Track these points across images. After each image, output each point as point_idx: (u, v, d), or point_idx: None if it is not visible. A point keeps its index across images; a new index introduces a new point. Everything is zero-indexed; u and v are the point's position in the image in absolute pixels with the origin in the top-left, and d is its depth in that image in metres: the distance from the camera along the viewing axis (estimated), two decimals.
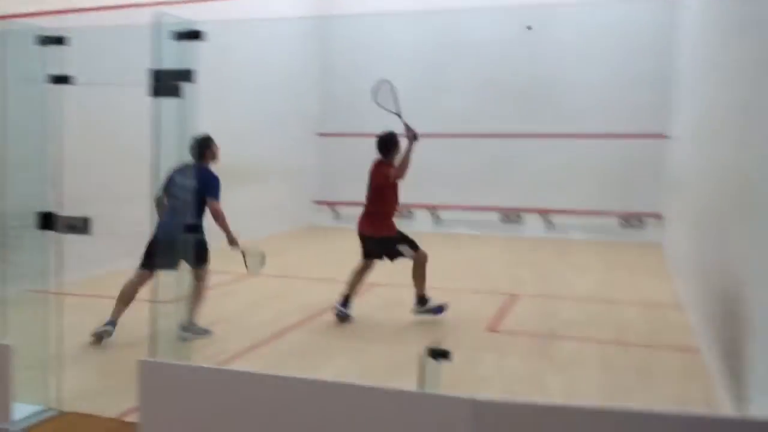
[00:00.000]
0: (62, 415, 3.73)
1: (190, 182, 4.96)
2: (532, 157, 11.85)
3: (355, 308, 6.32)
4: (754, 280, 3.60)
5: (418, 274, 5.94)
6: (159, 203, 5.18)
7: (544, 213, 11.78)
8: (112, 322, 5.17)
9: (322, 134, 13.10)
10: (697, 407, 3.95)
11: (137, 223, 7.77)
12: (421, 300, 5.94)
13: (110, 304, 5.33)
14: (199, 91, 3.70)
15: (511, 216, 11.99)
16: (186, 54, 3.64)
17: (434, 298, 5.98)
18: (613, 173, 11.38)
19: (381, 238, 5.99)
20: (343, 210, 12.70)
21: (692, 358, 4.82)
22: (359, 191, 12.54)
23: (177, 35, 3.60)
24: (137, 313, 5.74)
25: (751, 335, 3.56)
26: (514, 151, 11.95)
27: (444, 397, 2.86)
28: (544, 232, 11.80)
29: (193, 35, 3.63)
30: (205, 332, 5.31)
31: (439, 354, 3.12)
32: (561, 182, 11.65)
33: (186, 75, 3.63)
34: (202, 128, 3.97)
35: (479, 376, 4.40)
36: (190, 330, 5.16)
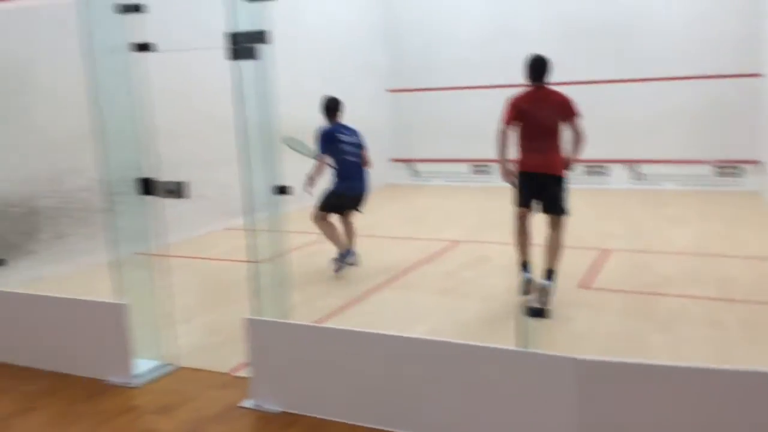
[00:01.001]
0: (177, 369, 3.98)
1: (356, 138, 6.20)
2: (616, 104, 11.36)
3: (443, 265, 6.37)
4: None
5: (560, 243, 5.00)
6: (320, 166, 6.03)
7: (631, 163, 11.36)
8: None
9: (392, 90, 13.01)
10: None
11: (225, 186, 8.09)
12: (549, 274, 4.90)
13: (212, 264, 5.54)
14: (274, 52, 3.73)
15: (595, 167, 11.63)
16: (259, 15, 3.66)
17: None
18: (705, 118, 10.77)
19: (558, 177, 4.95)
20: (420, 167, 12.66)
21: None
22: (434, 147, 12.49)
23: None
24: (240, 271, 5.98)
25: None
26: (595, 99, 11.48)
27: (545, 355, 2.86)
28: (631, 183, 11.40)
29: None
30: None
31: (536, 312, 3.12)
32: (648, 130, 11.13)
33: (261, 36, 3.67)
34: (278, 88, 4.02)
35: (576, 334, 4.36)
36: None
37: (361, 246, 7.38)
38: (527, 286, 4.89)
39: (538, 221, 5.07)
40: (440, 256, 6.79)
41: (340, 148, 6.06)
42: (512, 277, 5.83)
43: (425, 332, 4.15)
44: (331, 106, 6.24)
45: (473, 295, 5.39)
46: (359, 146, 6.22)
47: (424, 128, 12.59)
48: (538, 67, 5.17)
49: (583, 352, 2.89)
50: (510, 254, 6.65)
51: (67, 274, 6.12)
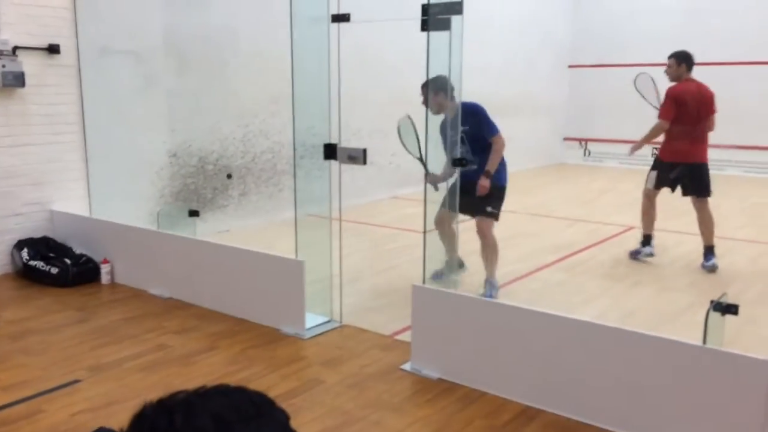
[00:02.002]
0: (343, 327, 4.18)
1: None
2: None
3: (614, 250, 6.06)
4: None
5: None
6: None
7: None
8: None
9: (573, 66, 12.45)
10: None
11: (395, 155, 8.27)
12: (709, 250, 5.45)
13: (378, 230, 5.71)
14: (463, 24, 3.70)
15: None
16: None
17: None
18: None
19: (704, 165, 5.56)
20: (594, 147, 12.07)
21: None
22: (611, 127, 11.89)
23: None
24: (407, 239, 6.12)
25: None
26: None
27: (736, 355, 2.64)
28: None
29: None
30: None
31: (726, 308, 2.87)
32: None
33: (455, 7, 3.64)
34: (464, 62, 3.99)
35: (764, 337, 3.96)
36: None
37: (530, 225, 7.23)
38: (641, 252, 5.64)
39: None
40: (612, 240, 6.46)
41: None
42: (689, 269, 5.41)
43: (592, 316, 3.98)
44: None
45: (645, 284, 5.07)
46: None
47: (602, 107, 11.95)
48: (692, 59, 5.49)
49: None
50: (690, 245, 6.19)
51: (252, 229, 6.63)
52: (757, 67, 10.48)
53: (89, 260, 5.21)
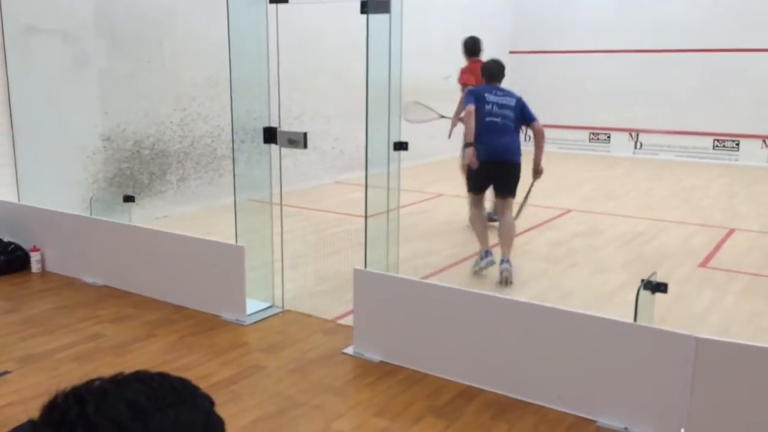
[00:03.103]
0: (285, 312, 4.14)
1: (509, 99, 5.00)
2: (751, 74, 10.46)
3: (553, 233, 6.20)
4: None
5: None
6: (470, 116, 4.89)
7: (765, 139, 10.48)
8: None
9: (513, 52, 12.61)
10: None
11: (338, 140, 8.23)
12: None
13: (320, 215, 5.69)
14: (403, 8, 3.68)
15: (726, 142, 10.84)
16: None
17: (640, 228, 5.61)
18: None
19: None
20: None
21: None
22: (551, 112, 12.08)
23: None
24: (350, 224, 6.11)
25: None
26: (730, 68, 10.62)
27: (664, 331, 2.74)
28: (766, 161, 10.54)
29: None
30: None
31: (656, 287, 2.97)
32: None
33: None
34: (404, 49, 3.99)
35: (692, 314, 4.13)
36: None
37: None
38: None
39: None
40: (551, 223, 6.61)
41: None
42: (625, 250, 5.59)
43: (531, 297, 4.07)
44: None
45: (581, 266, 5.21)
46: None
47: (543, 93, 12.15)
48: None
49: (700, 331, 2.73)
50: (625, 226, 6.39)
51: (190, 214, 6.48)
52: (686, 54, 10.85)
53: (18, 248, 5.00)
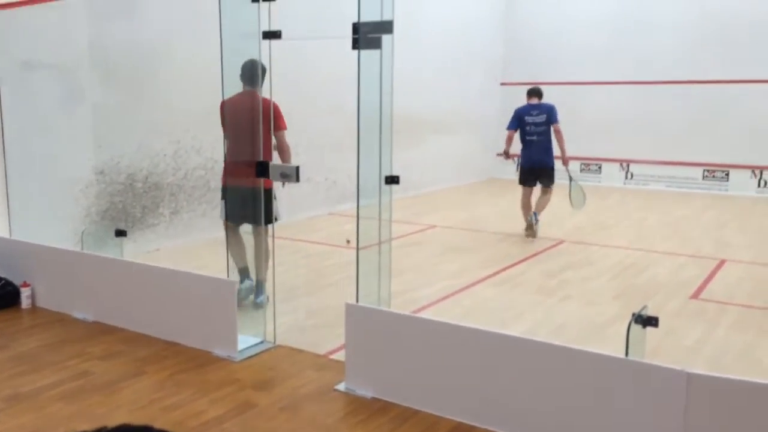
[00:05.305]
0: (277, 348, 4.11)
1: (542, 117, 7.24)
2: (740, 106, 10.61)
3: (545, 264, 6.21)
4: None
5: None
6: (509, 138, 7.42)
7: (755, 169, 10.59)
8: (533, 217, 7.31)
9: (505, 83, 12.77)
10: None
11: (332, 171, 8.26)
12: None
13: (313, 247, 5.68)
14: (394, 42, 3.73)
15: (716, 172, 10.94)
16: (384, 6, 3.66)
17: (632, 259, 5.63)
18: None
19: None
20: None
21: None
22: None
23: None
24: (342, 256, 6.11)
25: None
26: (719, 100, 10.78)
27: (656, 366, 2.73)
28: (755, 191, 10.63)
29: None
30: None
31: (647, 321, 2.97)
32: None
33: (386, 26, 3.67)
34: (396, 81, 4.04)
35: (685, 346, 4.13)
36: None
37: (464, 240, 7.34)
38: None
39: None
40: (543, 254, 6.63)
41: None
42: (618, 281, 5.60)
43: (523, 331, 4.06)
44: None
45: (574, 298, 5.22)
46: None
47: None
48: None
49: (692, 364, 2.72)
50: (617, 256, 6.41)
51: (183, 247, 6.47)
52: (675, 85, 11.02)
53: (8, 283, 4.97)
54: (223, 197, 4.78)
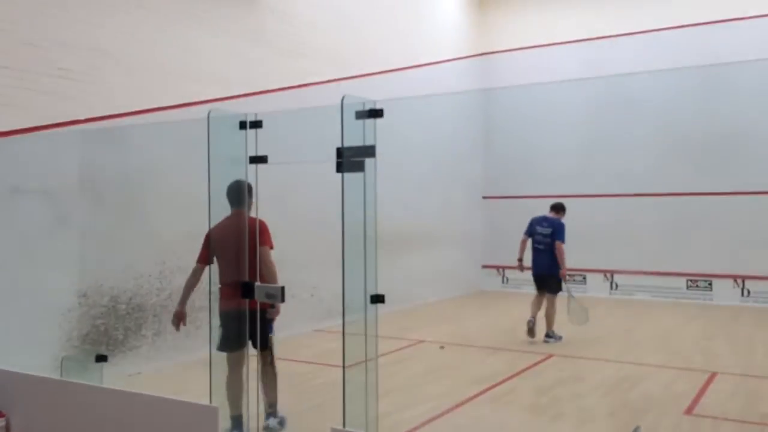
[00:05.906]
0: None
1: (548, 230, 7.92)
2: (720, 216, 10.91)
3: (534, 381, 6.10)
4: None
5: None
6: (523, 243, 8.14)
7: (738, 278, 10.72)
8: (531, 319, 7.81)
9: (486, 197, 13.09)
10: None
11: (316, 288, 8.24)
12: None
13: (298, 367, 5.56)
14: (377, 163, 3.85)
15: (699, 282, 11.05)
16: (367, 131, 3.81)
17: (622, 374, 5.52)
18: None
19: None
20: (512, 273, 12.46)
21: None
22: (528, 256, 12.33)
23: (358, 114, 3.79)
24: (326, 377, 5.98)
25: None
26: (700, 211, 11.09)
27: None
28: (738, 300, 10.70)
29: (374, 113, 3.79)
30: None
31: None
32: (756, 243, 10.56)
33: (369, 151, 3.80)
34: (380, 198, 4.14)
35: None
36: None
37: (452, 356, 7.23)
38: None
39: None
40: (533, 369, 6.53)
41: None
42: (610, 398, 5.49)
43: None
44: None
45: (566, 416, 5.09)
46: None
47: (516, 236, 12.45)
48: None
49: None
50: (607, 370, 6.32)
51: (165, 369, 6.31)
52: (649, 198, 11.37)
53: None
54: (220, 324, 4.64)
